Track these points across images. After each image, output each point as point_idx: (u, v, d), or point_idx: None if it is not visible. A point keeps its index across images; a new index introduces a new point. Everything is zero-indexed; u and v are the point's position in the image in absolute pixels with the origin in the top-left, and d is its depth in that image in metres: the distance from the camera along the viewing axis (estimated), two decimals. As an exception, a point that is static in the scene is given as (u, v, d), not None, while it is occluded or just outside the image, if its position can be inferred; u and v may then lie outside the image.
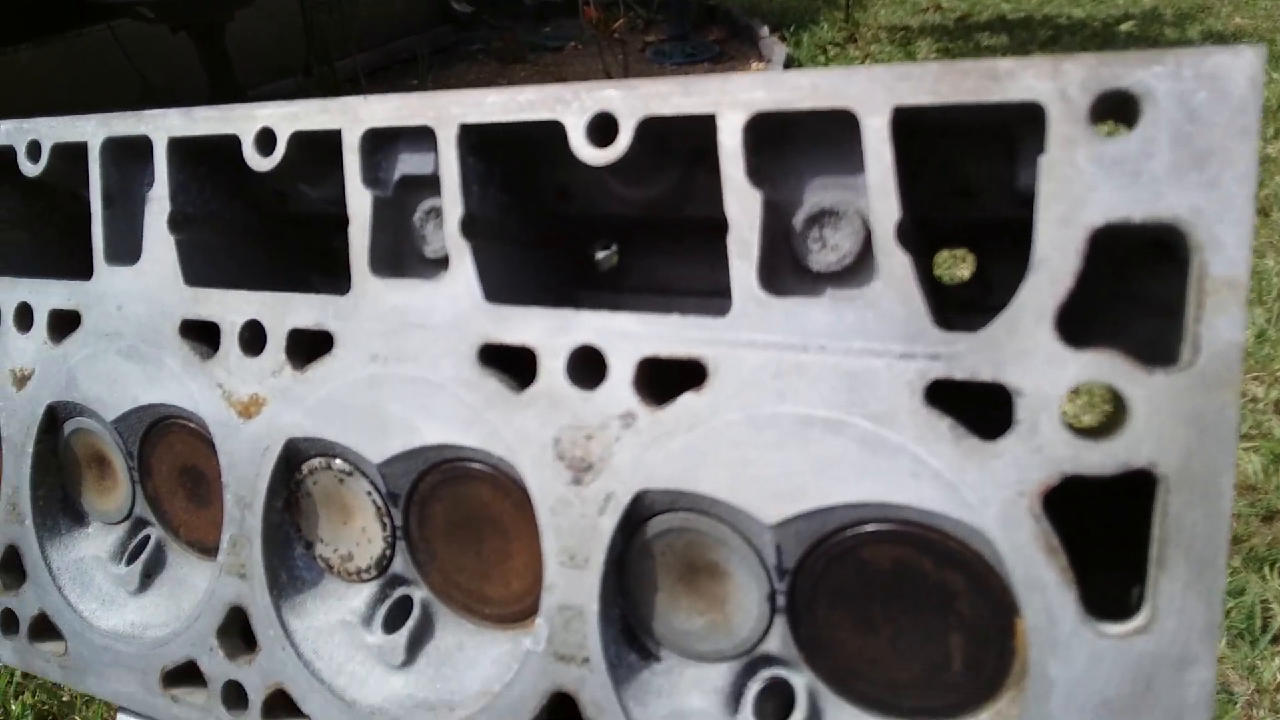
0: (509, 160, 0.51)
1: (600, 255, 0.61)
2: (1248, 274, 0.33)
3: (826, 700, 0.43)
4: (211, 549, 0.59)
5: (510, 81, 5.15)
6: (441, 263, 0.52)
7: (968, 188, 0.45)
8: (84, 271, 0.64)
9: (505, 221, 0.51)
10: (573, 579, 0.45)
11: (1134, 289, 0.44)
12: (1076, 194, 0.36)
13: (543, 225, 0.54)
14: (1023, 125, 0.40)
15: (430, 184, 0.51)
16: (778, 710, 0.44)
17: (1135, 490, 0.37)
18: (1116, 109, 0.36)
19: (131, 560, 0.61)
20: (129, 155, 0.60)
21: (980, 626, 0.40)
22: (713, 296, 0.56)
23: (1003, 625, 0.39)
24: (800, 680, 0.44)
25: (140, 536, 0.62)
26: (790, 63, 4.79)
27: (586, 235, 0.59)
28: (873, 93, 0.39)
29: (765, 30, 5.33)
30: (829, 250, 0.43)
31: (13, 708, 2.05)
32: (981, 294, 0.52)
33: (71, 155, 0.61)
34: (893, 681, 0.42)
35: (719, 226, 0.51)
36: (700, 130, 0.43)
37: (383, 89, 5.01)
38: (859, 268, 0.42)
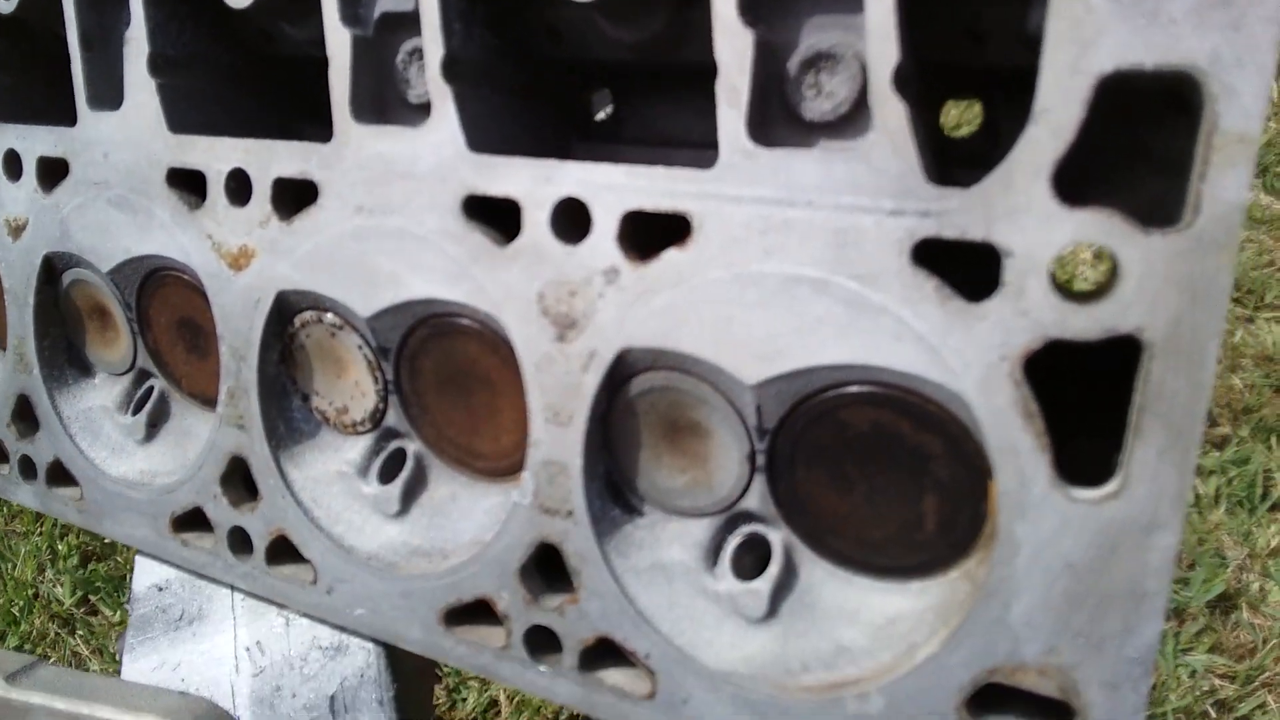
0: (493, -1, 0.48)
1: (600, 110, 0.59)
2: (1260, 129, 0.31)
3: (802, 555, 0.44)
4: (213, 400, 0.60)
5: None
6: (425, 108, 0.50)
7: (977, 30, 0.42)
8: (63, 112, 0.62)
9: (492, 64, 0.48)
10: (557, 435, 0.45)
11: (1136, 144, 0.41)
12: (1086, 36, 0.33)
13: (533, 70, 0.52)
14: (1039, -40, 0.37)
15: (413, 22, 0.48)
16: (754, 564, 0.45)
17: (1119, 354, 0.36)
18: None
19: (137, 410, 0.62)
20: (107, -9, 0.57)
21: (954, 489, 0.40)
22: (710, 147, 0.54)
23: (976, 488, 0.39)
24: (777, 536, 0.44)
25: (145, 388, 0.63)
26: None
27: (579, 82, 0.56)
28: (877, -83, 0.36)
29: None
30: (824, 97, 0.40)
31: (59, 548, 2.17)
32: (988, 147, 0.49)
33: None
34: (866, 539, 0.43)
35: (711, 71, 0.49)
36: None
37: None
38: (854, 117, 0.40)
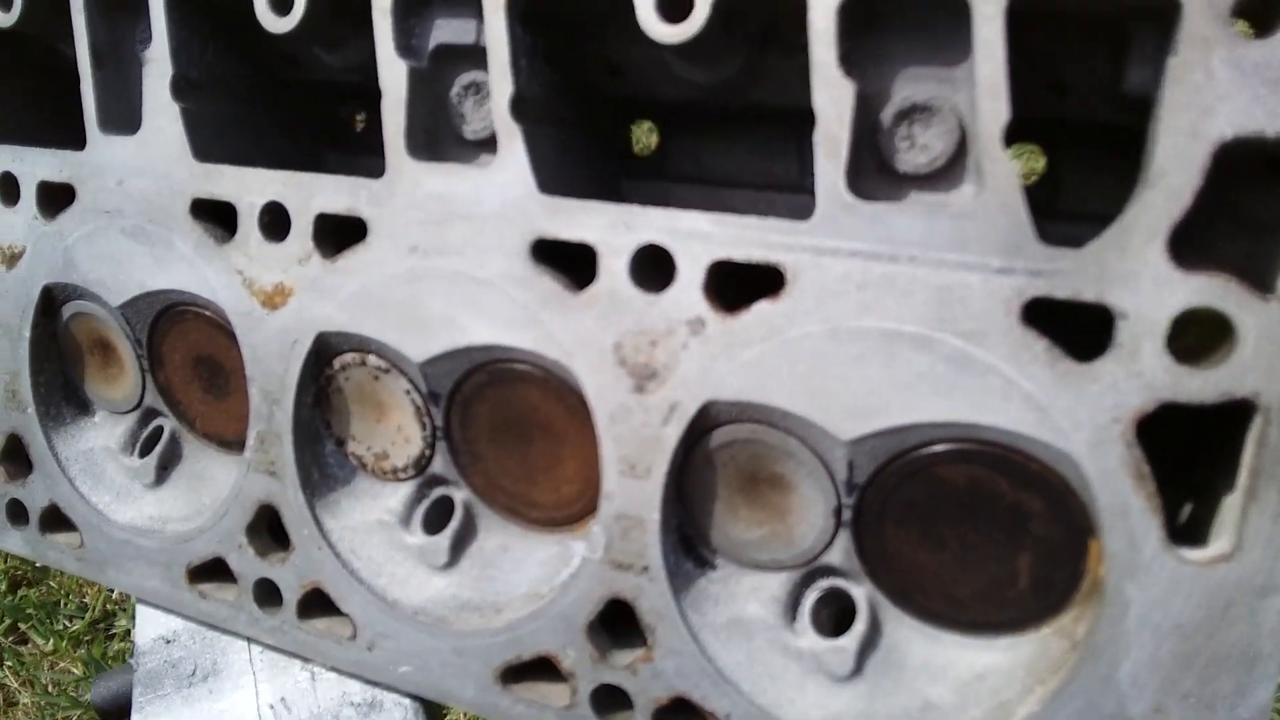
0: (555, 31, 0.46)
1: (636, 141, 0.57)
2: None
3: (886, 611, 0.44)
4: (231, 442, 0.57)
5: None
6: (482, 144, 0.48)
7: (1061, 84, 0.42)
8: (62, 134, 0.58)
9: (553, 101, 0.46)
10: (632, 488, 0.43)
11: (1224, 204, 0.41)
12: (1206, 103, 0.33)
13: (589, 106, 0.50)
14: (1144, 20, 0.37)
15: (469, 55, 0.47)
16: (832, 620, 0.44)
17: (1222, 417, 0.36)
18: (1261, 7, 0.33)
19: (145, 452, 0.59)
20: (119, 6, 0.53)
21: (1052, 546, 0.40)
22: (765, 190, 0.53)
23: (1076, 546, 0.39)
24: (860, 591, 0.44)
25: (152, 427, 0.60)
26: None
27: (624, 117, 0.55)
28: (988, -25, 0.35)
29: None
30: (918, 150, 0.39)
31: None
32: (1049, 196, 0.49)
33: (50, 3, 0.54)
34: (955, 595, 0.42)
35: (781, 114, 0.48)
36: (781, 6, 0.39)
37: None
38: (949, 171, 0.39)
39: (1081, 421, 0.36)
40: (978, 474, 0.40)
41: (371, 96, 0.59)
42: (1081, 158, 0.47)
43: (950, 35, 0.38)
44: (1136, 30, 0.37)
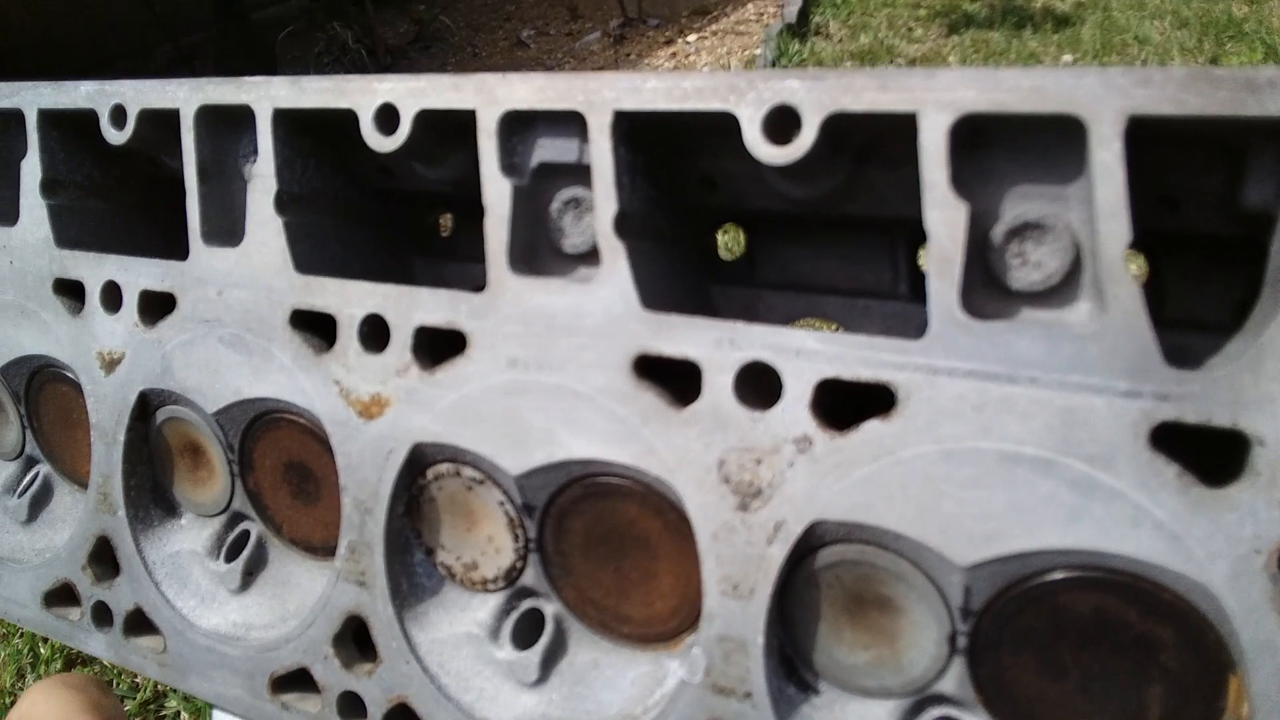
0: (654, 149, 0.47)
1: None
2: None
3: (1003, 742, 0.42)
4: (318, 548, 0.57)
5: (518, 6, 5.00)
6: (580, 258, 0.48)
7: (1174, 198, 0.42)
8: (163, 244, 0.60)
9: (652, 217, 0.47)
10: (735, 610, 0.42)
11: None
12: None
13: (683, 219, 0.51)
14: (1263, 138, 0.36)
15: (569, 172, 0.47)
16: (947, 750, 0.42)
17: None
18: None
19: (231, 557, 0.59)
20: (224, 124, 0.55)
21: (1186, 681, 0.38)
22: (856, 296, 0.53)
23: (1213, 681, 0.37)
24: (975, 720, 0.42)
25: (238, 531, 0.60)
26: (805, 6, 4.63)
27: (718, 223, 0.55)
28: (1106, 98, 0.35)
29: (785, -38, 5.15)
30: (1031, 268, 0.39)
31: (41, 651, 2.06)
32: (1154, 304, 0.48)
33: (160, 122, 0.57)
34: (1078, 727, 0.40)
35: (874, 223, 0.48)
36: (886, 127, 0.39)
37: (390, 12, 4.87)
38: (1065, 288, 0.39)
39: (1218, 552, 0.35)
40: (1104, 602, 0.38)
41: (459, 203, 0.61)
42: (1193, 271, 0.46)
43: (1062, 155, 0.38)
44: (1256, 147, 0.37)
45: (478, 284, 0.48)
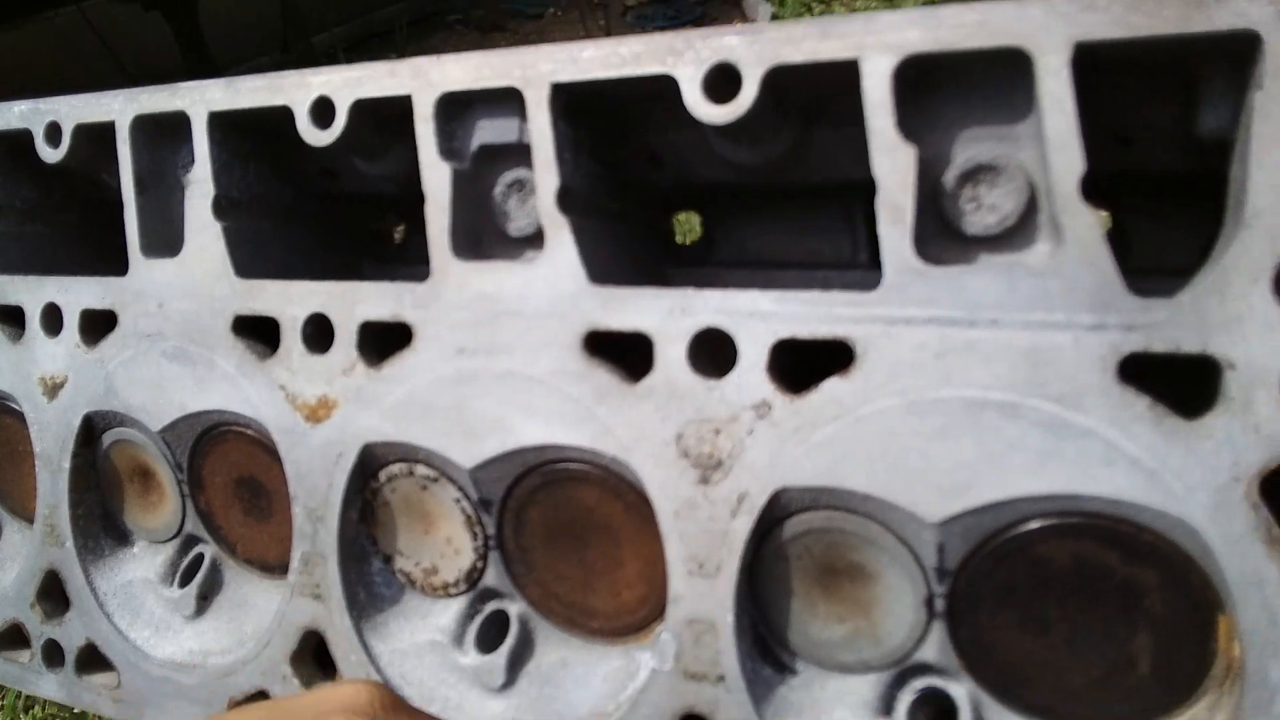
0: (596, 123, 0.46)
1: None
2: None
3: (990, 710, 0.39)
4: (274, 566, 0.54)
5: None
6: (527, 241, 0.47)
7: (1126, 134, 0.41)
8: (111, 266, 0.59)
9: (596, 193, 0.46)
10: (702, 589, 0.40)
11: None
12: None
13: (630, 196, 0.49)
14: (1214, 60, 0.35)
15: (511, 153, 0.46)
16: (934, 721, 0.40)
17: None
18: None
19: (185, 581, 0.56)
20: (162, 134, 0.54)
21: (1174, 625, 0.36)
22: (816, 268, 0.51)
23: (1202, 623, 0.35)
24: (960, 690, 0.39)
25: (192, 555, 0.57)
26: (775, 20, 4.69)
27: (673, 206, 0.54)
28: (1052, 27, 0.34)
29: (749, -10, 5.22)
30: (985, 211, 0.38)
31: None
32: (1119, 253, 0.47)
33: (95, 137, 0.55)
34: (1066, 687, 0.38)
35: (828, 190, 0.47)
36: (829, 80, 0.38)
37: (362, 61, 4.90)
38: (1021, 229, 0.37)
39: (1197, 484, 0.33)
40: (1083, 549, 0.36)
41: (409, 207, 0.59)
42: (1151, 211, 0.45)
43: (1009, 93, 0.37)
44: (1207, 71, 0.36)
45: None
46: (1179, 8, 0.33)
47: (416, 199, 0.48)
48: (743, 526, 0.39)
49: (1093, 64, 0.35)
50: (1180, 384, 0.34)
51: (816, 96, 0.42)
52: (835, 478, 0.38)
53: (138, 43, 4.01)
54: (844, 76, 0.37)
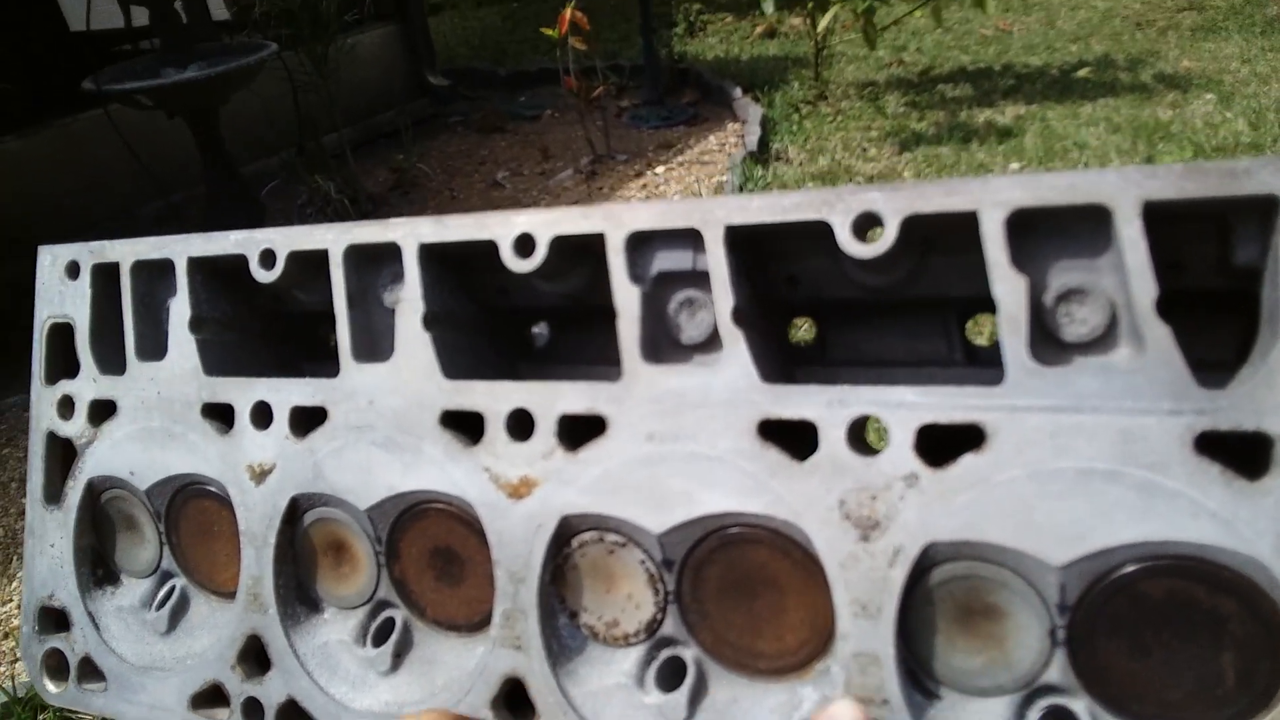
0: (752, 254, 0.57)
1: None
2: None
3: (1104, 721, 0.49)
4: (461, 625, 0.63)
5: (491, 150, 5.28)
6: (696, 348, 0.58)
7: (1180, 263, 0.53)
8: (278, 366, 0.69)
9: (752, 309, 0.57)
10: (866, 628, 0.50)
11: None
12: None
13: (771, 312, 0.61)
14: (1245, 214, 0.48)
15: (683, 278, 0.57)
16: (1059, 733, 0.49)
17: None
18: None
19: (378, 642, 0.65)
20: (367, 259, 0.65)
21: (1252, 644, 0.46)
22: (919, 366, 0.62)
23: (1275, 641, 0.45)
24: (1080, 705, 0.49)
25: (382, 619, 0.66)
26: (765, 121, 4.95)
27: (794, 312, 0.65)
28: (1126, 190, 0.46)
29: (738, 91, 5.52)
30: (1078, 323, 0.49)
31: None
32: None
33: (304, 261, 0.66)
34: (1167, 700, 0.48)
35: (930, 302, 0.58)
36: (949, 223, 0.50)
37: (370, 163, 5.11)
38: (1106, 337, 0.49)
39: (1263, 529, 0.44)
40: (1175, 585, 0.46)
41: (559, 315, 0.70)
42: (1201, 319, 0.57)
43: (1092, 235, 0.48)
44: (1241, 220, 0.48)
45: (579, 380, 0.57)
46: (1220, 177, 0.45)
47: (572, 309, 0.58)
48: (899, 575, 0.50)
49: (1154, 214, 0.47)
50: (1243, 453, 0.45)
51: (937, 232, 0.54)
52: (974, 533, 0.48)
53: (156, 144, 4.18)
54: (962, 221, 0.49)
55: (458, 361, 0.63)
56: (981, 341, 0.63)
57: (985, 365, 0.61)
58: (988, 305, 0.57)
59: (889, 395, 0.50)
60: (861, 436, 0.51)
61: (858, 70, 5.74)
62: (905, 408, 0.50)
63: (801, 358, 0.66)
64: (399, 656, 0.65)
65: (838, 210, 0.51)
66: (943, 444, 0.50)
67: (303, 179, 4.37)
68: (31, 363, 0.78)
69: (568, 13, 4.47)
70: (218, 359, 0.71)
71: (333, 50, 4.39)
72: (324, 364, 0.78)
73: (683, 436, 0.54)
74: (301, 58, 4.37)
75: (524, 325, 0.74)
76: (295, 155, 4.64)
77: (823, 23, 4.93)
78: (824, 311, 0.65)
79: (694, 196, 0.57)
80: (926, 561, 0.50)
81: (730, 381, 0.54)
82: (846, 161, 4.28)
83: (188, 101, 3.64)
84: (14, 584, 2.13)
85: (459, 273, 0.66)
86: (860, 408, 0.51)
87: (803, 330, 0.69)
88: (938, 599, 0.51)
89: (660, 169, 4.56)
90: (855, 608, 0.50)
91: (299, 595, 0.68)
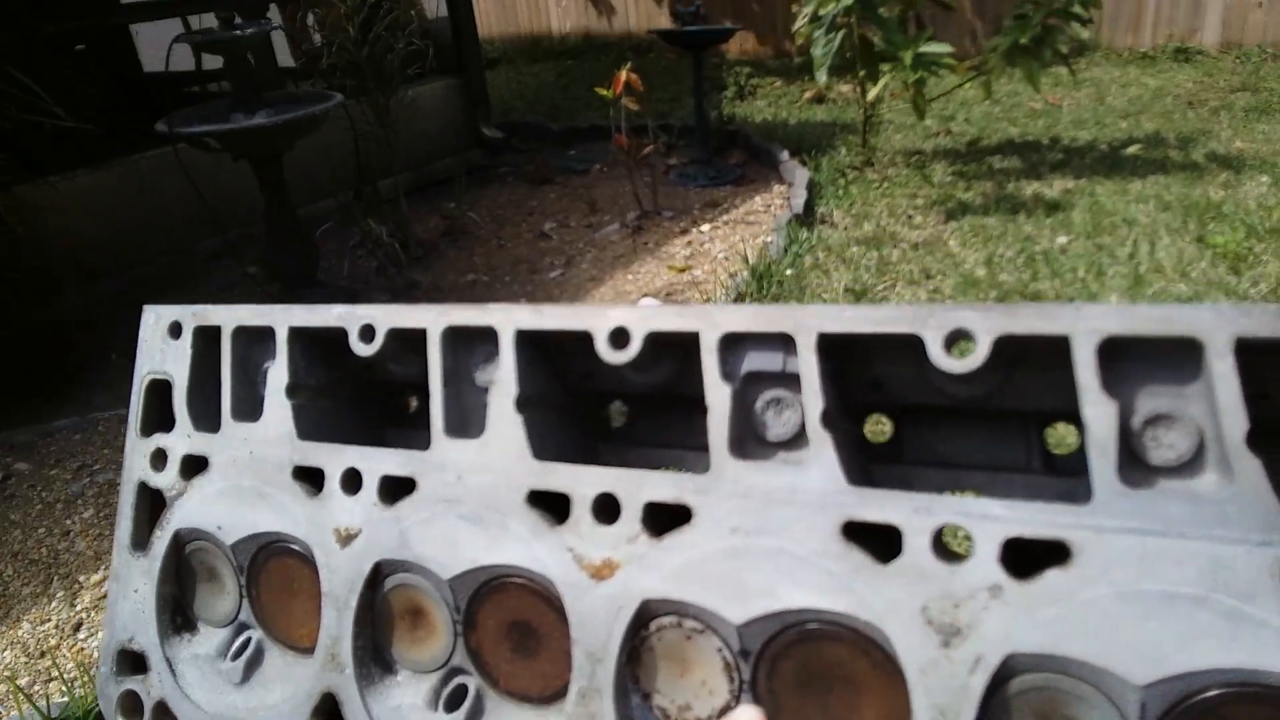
0: (839, 360, 0.60)
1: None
2: None
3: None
4: (534, 699, 0.65)
5: (540, 202, 5.40)
6: (780, 445, 0.60)
7: (1265, 392, 0.54)
8: (363, 434, 0.72)
9: (839, 412, 0.59)
10: (945, 733, 0.51)
11: None
12: None
13: (854, 412, 0.63)
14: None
15: (771, 378, 0.60)
16: None
17: None
18: None
19: (451, 708, 0.67)
20: (462, 340, 0.68)
21: (1333, 778, 0.46)
22: (996, 471, 0.64)
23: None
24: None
25: (455, 685, 0.68)
26: (812, 185, 5.01)
27: (868, 411, 0.67)
28: (1220, 326, 0.48)
29: (785, 154, 5.59)
30: (1165, 448, 0.51)
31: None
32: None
33: (401, 338, 0.70)
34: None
35: (1013, 413, 0.60)
36: (1040, 345, 0.52)
37: (422, 209, 5.23)
38: (1193, 464, 0.50)
39: (1349, 668, 0.45)
40: (1259, 713, 0.47)
41: (636, 400, 0.73)
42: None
43: (1181, 364, 0.50)
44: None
45: (651, 465, 0.59)
46: None
47: (653, 396, 0.61)
48: (979, 683, 0.51)
49: (1244, 349, 0.48)
50: None
51: (1024, 352, 0.56)
52: (1057, 648, 0.49)
53: (217, 183, 4.32)
54: (1053, 344, 0.51)
55: (545, 442, 0.66)
56: (1059, 451, 0.64)
57: (1063, 475, 0.62)
58: (1066, 416, 0.59)
59: (974, 506, 0.52)
60: (944, 544, 0.53)
61: (905, 138, 5.80)
62: (991, 520, 0.51)
63: (877, 455, 0.67)
64: (470, 725, 0.66)
65: (930, 326, 0.53)
66: (1024, 556, 0.52)
67: (357, 222, 4.48)
68: (128, 414, 0.81)
69: (623, 74, 4.59)
70: (310, 424, 0.75)
71: (394, 101, 4.54)
72: (405, 431, 0.82)
73: (768, 532, 0.56)
74: (364, 107, 4.52)
75: (605, 407, 0.76)
76: (352, 200, 4.77)
77: (873, 92, 5.00)
78: (903, 413, 0.67)
79: (787, 304, 0.61)
80: (1006, 671, 0.51)
81: (817, 482, 0.55)
82: (892, 228, 4.30)
83: (255, 146, 3.77)
84: (53, 604, 2.17)
85: (550, 358, 0.69)
86: (946, 516, 0.52)
87: (877, 426, 0.71)
88: (1014, 708, 0.52)
89: (706, 227, 4.62)
90: (933, 712, 0.51)
91: (375, 657, 0.70)
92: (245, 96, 3.93)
